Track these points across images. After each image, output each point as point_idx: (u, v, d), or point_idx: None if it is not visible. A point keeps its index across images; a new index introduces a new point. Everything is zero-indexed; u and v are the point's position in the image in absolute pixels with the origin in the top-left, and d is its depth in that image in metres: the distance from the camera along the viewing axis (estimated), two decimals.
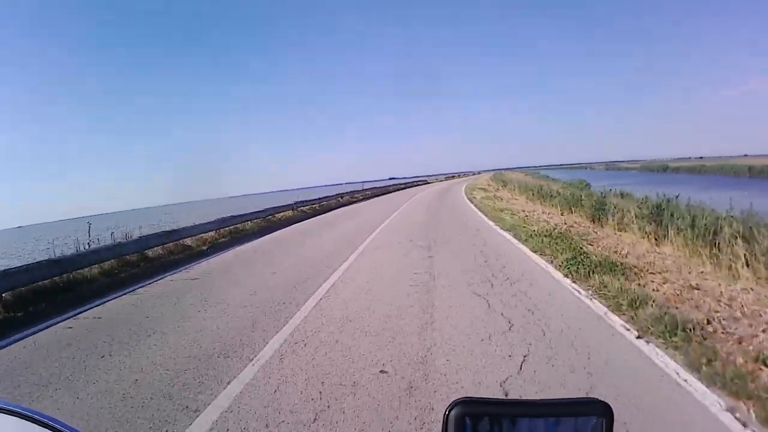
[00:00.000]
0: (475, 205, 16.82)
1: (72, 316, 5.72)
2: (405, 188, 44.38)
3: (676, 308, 4.16)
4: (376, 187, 37.15)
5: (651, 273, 5.74)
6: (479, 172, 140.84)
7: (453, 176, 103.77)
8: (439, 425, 0.59)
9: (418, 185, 54.18)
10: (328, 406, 2.81)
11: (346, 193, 28.27)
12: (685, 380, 2.91)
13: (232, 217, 14.28)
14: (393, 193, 34.30)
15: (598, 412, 0.56)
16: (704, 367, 3.02)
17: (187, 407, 2.97)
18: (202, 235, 12.36)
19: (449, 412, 0.57)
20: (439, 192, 31.89)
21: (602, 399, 0.57)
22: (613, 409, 0.57)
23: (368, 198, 28.94)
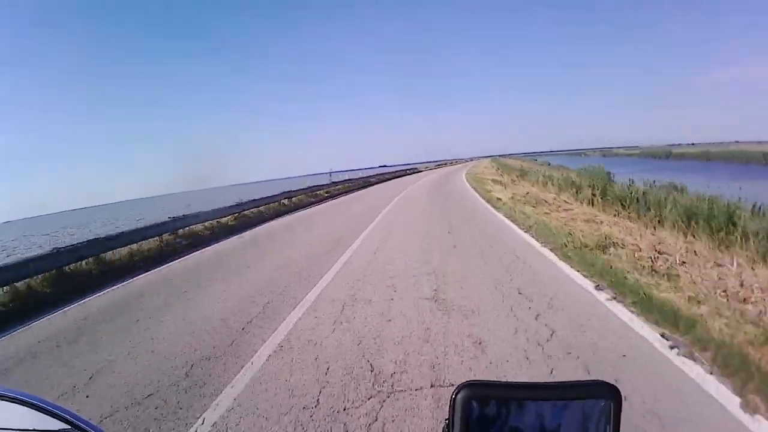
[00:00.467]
0: (518, 224, 8.55)
1: None
2: (392, 179, 36.25)
3: None
4: (353, 179, 28.60)
5: None
6: (470, 159, 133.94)
7: (444, 164, 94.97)
8: None
9: (409, 174, 46.14)
10: None
11: (305, 189, 20.00)
12: None
13: None
14: (374, 187, 26.01)
15: (606, 394, 0.52)
16: None
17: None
18: None
19: (456, 395, 0.52)
20: (438, 183, 23.77)
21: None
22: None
23: (327, 198, 20.54)
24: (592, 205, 10.73)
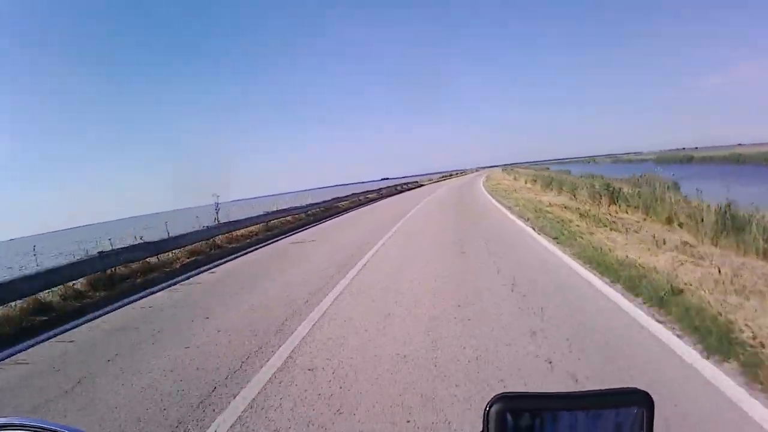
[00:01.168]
0: None
1: None
2: (380, 199, 24.51)
3: None
4: (297, 207, 15.65)
5: None
6: (476, 170, 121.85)
7: (449, 175, 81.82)
8: None
9: (407, 190, 34.41)
10: None
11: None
12: None
13: None
14: (325, 225, 13.36)
15: (639, 402, 0.50)
16: None
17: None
18: None
19: (489, 408, 0.49)
20: (457, 216, 12.01)
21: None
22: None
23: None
24: None
